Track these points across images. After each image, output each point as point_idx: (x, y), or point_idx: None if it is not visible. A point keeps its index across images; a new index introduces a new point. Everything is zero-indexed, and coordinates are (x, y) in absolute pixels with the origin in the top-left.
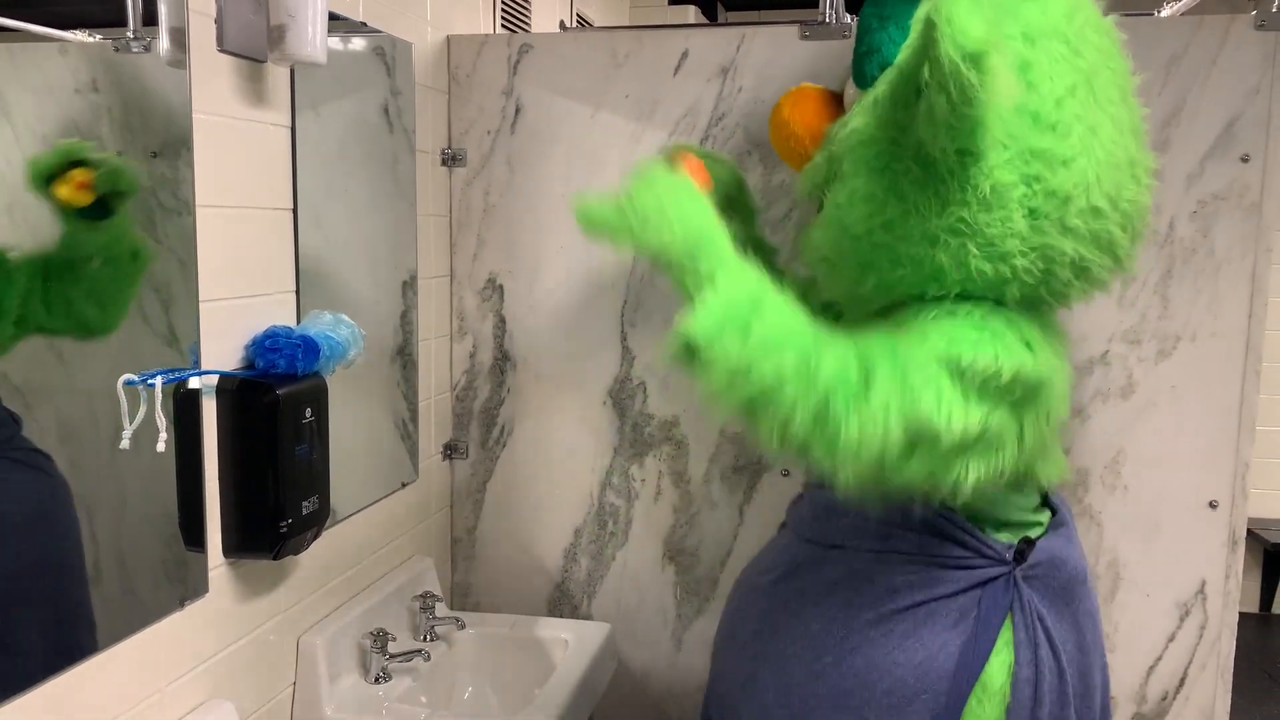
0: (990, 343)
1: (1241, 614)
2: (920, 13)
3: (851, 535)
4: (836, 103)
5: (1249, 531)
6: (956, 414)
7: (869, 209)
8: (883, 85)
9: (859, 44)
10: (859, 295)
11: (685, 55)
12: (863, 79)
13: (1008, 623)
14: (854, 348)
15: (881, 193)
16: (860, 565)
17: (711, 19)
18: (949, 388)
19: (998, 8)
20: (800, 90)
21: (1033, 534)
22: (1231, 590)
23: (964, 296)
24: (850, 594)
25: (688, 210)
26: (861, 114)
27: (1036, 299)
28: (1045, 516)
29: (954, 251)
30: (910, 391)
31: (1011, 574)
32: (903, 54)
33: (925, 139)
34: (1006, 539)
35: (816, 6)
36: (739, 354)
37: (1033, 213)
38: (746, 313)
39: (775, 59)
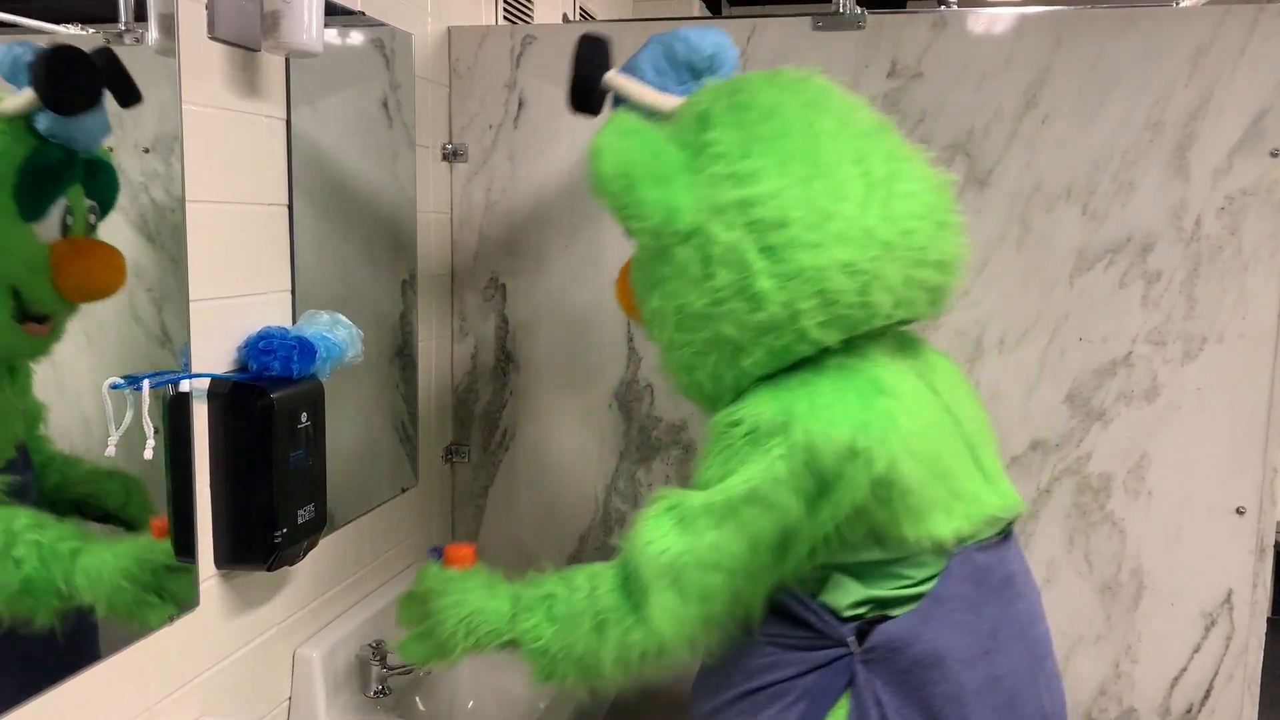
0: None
1: None
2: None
3: None
4: None
5: None
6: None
7: (674, 319)
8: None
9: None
10: (723, 393)
11: None
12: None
13: (843, 705)
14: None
15: (663, 300)
16: (733, 645)
17: (715, 13)
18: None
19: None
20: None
21: (903, 610)
22: (1259, 599)
23: (799, 360)
24: (720, 675)
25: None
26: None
27: (846, 322)
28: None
29: (745, 303)
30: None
31: (849, 656)
32: None
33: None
34: (861, 616)
35: (817, 4)
36: (570, 669)
37: (767, 250)
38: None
39: (787, 51)
